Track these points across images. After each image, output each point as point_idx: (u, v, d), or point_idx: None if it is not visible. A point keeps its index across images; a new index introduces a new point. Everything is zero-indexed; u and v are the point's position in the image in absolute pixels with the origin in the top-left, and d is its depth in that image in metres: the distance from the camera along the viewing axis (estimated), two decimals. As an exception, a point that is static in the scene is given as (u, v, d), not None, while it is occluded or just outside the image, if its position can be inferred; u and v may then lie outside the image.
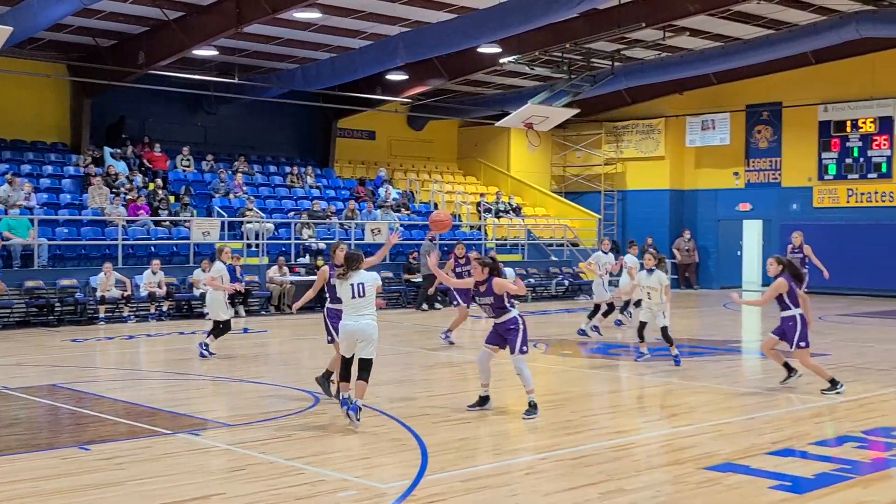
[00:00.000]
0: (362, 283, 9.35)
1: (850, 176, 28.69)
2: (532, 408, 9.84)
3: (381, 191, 29.15)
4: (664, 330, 13.62)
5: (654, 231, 30.66)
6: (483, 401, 10.29)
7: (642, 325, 13.98)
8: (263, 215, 24.80)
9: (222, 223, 23.25)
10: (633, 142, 33.43)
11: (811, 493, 7.04)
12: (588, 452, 8.31)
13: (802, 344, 11.18)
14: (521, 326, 9.96)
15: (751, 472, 7.59)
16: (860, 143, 28.47)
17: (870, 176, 28.29)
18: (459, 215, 29.86)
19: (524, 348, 9.89)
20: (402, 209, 28.50)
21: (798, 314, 11.24)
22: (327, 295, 11.12)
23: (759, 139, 30.97)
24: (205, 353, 14.27)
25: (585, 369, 14.04)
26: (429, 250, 23.82)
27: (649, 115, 32.83)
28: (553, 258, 29.69)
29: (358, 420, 9.05)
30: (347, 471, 7.63)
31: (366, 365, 9.25)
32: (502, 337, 10.05)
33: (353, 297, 9.33)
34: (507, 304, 10.02)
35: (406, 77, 27.14)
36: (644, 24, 22.32)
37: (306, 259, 24.12)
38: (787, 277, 11.28)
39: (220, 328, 14.67)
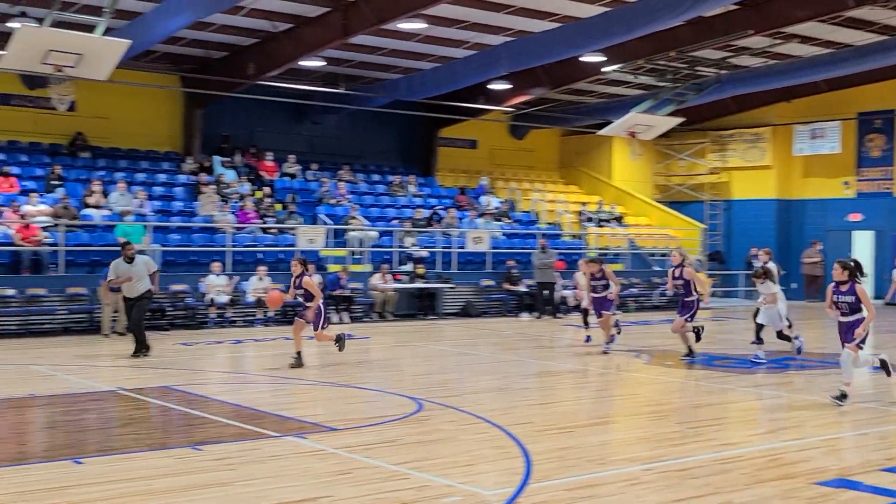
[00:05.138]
0: None
1: (966, 185, 27.68)
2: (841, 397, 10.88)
3: (483, 199, 29.23)
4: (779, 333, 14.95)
5: (759, 242, 29.94)
6: (842, 397, 10.87)
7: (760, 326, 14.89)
8: (367, 223, 25.12)
9: (327, 231, 23.64)
10: (738, 150, 32.82)
11: (929, 513, 6.82)
12: (694, 464, 8.19)
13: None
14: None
15: (865, 489, 7.38)
16: (977, 152, 27.45)
17: None
18: (561, 224, 29.76)
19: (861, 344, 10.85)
20: (504, 218, 28.53)
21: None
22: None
23: (872, 148, 30.09)
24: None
25: (689, 380, 13.83)
26: (546, 261, 23.97)
27: (756, 123, 32.20)
28: (655, 268, 29.32)
29: None
30: (451, 477, 7.67)
31: None
32: (847, 333, 10.91)
33: None
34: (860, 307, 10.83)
35: (509, 86, 27.19)
36: (752, 32, 21.93)
37: (409, 266, 24.33)
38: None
39: None
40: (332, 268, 22.97)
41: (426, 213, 26.70)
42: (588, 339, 17.75)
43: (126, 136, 25.65)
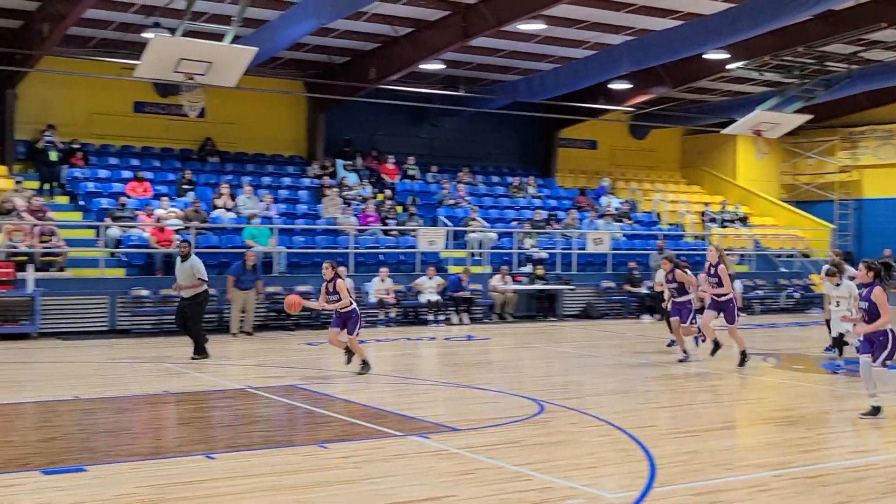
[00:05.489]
0: None
1: None
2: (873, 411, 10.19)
3: (603, 200, 28.96)
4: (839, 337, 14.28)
5: (893, 242, 28.87)
6: (875, 410, 10.26)
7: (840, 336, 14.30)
8: (486, 225, 25.20)
9: (447, 232, 23.80)
10: (870, 148, 31.72)
11: None
12: (826, 471, 7.95)
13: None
14: (891, 338, 10.07)
15: None
16: None
17: None
18: (683, 225, 29.26)
19: (886, 362, 10.10)
20: (625, 219, 28.21)
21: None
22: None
23: None
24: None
25: (819, 385, 13.43)
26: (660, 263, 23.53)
27: (889, 119, 31.02)
28: (783, 269, 28.54)
29: None
30: (574, 479, 7.63)
31: None
32: (866, 343, 10.27)
33: None
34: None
35: (629, 86, 26.88)
36: (885, 25, 21.15)
37: (528, 268, 24.29)
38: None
39: None
40: (453, 269, 23.12)
41: (545, 214, 26.62)
42: (671, 343, 16.36)
43: (252, 140, 26.38)
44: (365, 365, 13.59)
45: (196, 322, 15.32)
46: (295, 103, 26.97)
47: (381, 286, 21.28)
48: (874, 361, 10.13)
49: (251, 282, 19.19)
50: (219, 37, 17.73)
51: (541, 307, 23.75)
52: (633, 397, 12.12)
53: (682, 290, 15.14)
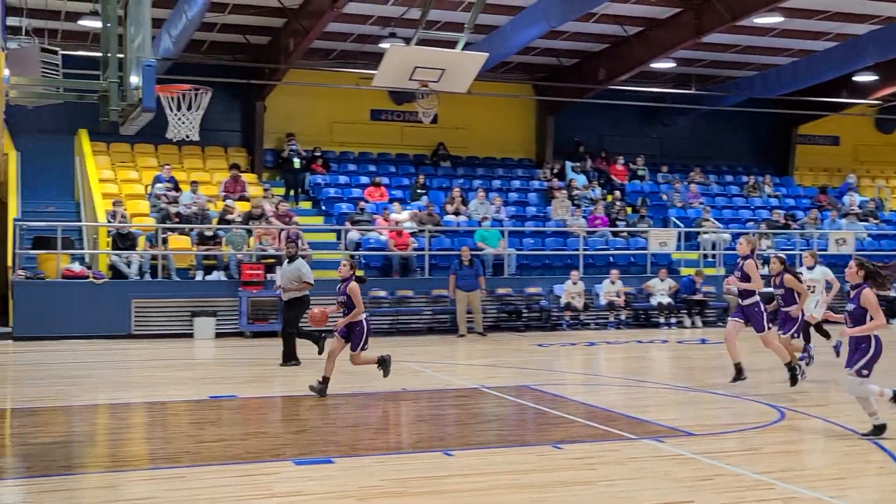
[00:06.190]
0: None
1: None
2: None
3: (846, 199, 27.52)
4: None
5: None
6: (878, 430, 9.12)
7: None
8: (720, 226, 24.54)
9: (678, 234, 23.35)
10: None
11: None
12: None
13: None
14: (874, 347, 8.96)
15: None
16: None
17: None
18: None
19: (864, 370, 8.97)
20: (871, 218, 26.69)
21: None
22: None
23: None
24: None
25: None
26: None
27: None
28: None
29: None
30: (820, 490, 7.33)
31: None
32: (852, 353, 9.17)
33: None
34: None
35: (875, 77, 25.44)
36: None
37: (765, 270, 23.39)
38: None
39: None
40: (685, 271, 22.65)
41: (783, 213, 25.61)
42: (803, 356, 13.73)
43: (482, 144, 26.85)
44: (384, 363, 11.99)
45: (291, 326, 14.47)
46: (524, 106, 27.24)
47: (611, 288, 21.14)
48: (849, 367, 9.04)
49: (473, 280, 19.45)
50: (451, 44, 18.19)
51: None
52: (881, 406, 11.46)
53: (790, 297, 12.66)
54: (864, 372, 8.96)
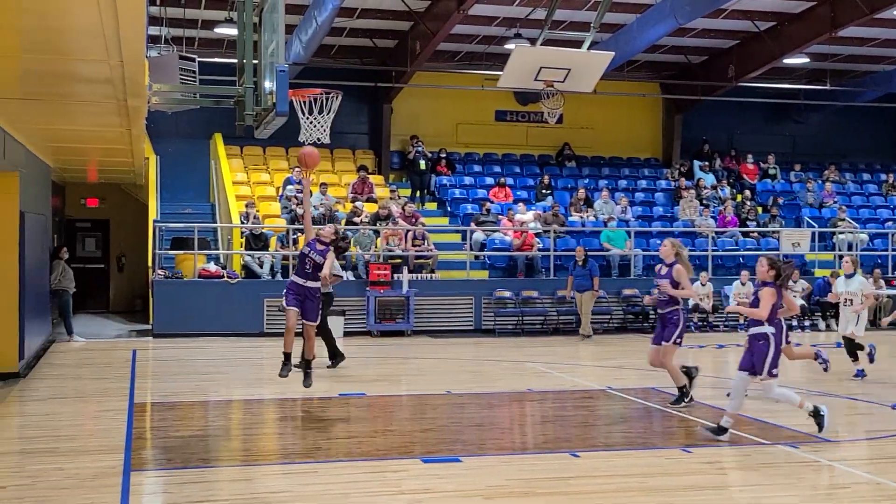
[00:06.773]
0: None
1: None
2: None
3: None
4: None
5: None
6: (719, 430, 9.16)
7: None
8: (857, 225, 23.71)
9: (812, 234, 22.67)
10: None
11: None
12: None
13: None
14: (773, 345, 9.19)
15: None
16: None
17: None
18: None
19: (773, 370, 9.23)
20: None
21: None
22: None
23: None
24: None
25: None
26: None
27: None
28: None
29: None
30: (966, 501, 7.05)
31: None
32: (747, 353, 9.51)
33: None
34: None
35: None
36: None
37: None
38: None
39: None
40: (819, 273, 21.97)
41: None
42: (858, 372, 13.79)
43: (608, 144, 26.62)
44: (307, 364, 10.90)
45: (325, 323, 13.52)
46: (651, 105, 26.89)
47: (741, 290, 20.63)
48: (761, 375, 9.19)
49: (585, 280, 19.20)
50: (577, 44, 18.07)
51: (920, 314, 21.89)
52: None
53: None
54: (774, 371, 9.27)
